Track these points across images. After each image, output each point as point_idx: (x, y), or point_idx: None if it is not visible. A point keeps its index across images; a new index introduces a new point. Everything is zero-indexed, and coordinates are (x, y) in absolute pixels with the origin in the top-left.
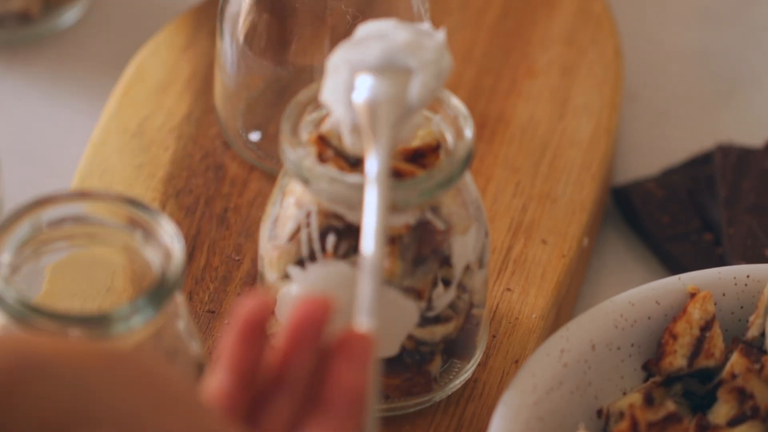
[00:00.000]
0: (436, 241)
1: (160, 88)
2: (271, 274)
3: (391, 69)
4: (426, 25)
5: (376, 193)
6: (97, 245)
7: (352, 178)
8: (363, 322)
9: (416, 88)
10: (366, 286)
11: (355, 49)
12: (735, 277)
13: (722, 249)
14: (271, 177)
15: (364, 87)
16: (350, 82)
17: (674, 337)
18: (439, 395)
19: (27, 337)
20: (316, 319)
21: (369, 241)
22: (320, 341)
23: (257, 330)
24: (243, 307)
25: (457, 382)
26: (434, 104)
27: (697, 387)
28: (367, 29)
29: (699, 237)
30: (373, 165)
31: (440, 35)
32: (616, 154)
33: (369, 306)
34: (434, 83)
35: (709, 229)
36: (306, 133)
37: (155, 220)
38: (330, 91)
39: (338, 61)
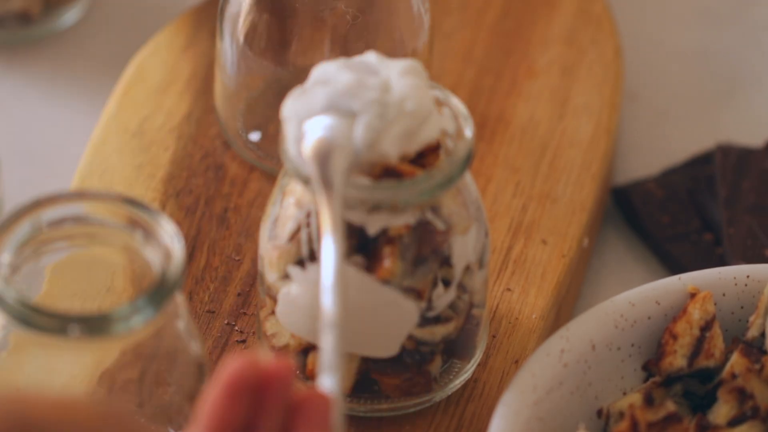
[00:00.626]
0: (436, 241)
1: (160, 88)
2: (271, 274)
3: (336, 114)
4: (374, 59)
5: (332, 246)
6: (97, 245)
7: (351, 179)
8: (325, 380)
9: (360, 131)
10: (327, 342)
11: (301, 98)
12: (735, 277)
13: (722, 249)
14: (271, 177)
15: (309, 137)
16: (299, 133)
17: (674, 337)
18: (439, 395)
19: (27, 398)
20: (285, 381)
21: (327, 296)
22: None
23: (240, 391)
24: (228, 368)
25: (457, 382)
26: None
27: (697, 387)
28: (315, 75)
29: (699, 237)
30: (326, 218)
31: (401, 70)
32: (616, 154)
33: (331, 362)
34: (379, 122)
35: (709, 229)
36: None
37: (155, 220)
38: (286, 142)
39: (287, 112)
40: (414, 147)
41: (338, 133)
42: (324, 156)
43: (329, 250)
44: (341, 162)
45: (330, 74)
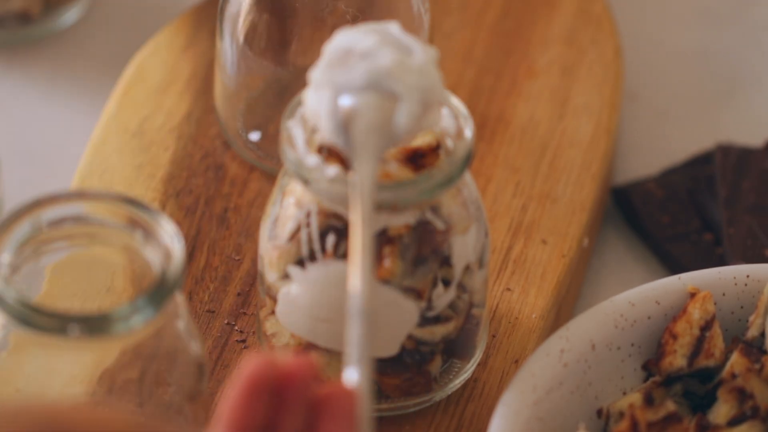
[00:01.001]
0: (436, 241)
1: (160, 88)
2: (271, 273)
3: (375, 92)
4: (411, 41)
5: (361, 232)
6: (97, 245)
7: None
8: (352, 373)
9: (402, 118)
10: (354, 333)
11: (338, 68)
12: (735, 277)
13: (722, 249)
14: (271, 177)
15: (350, 114)
16: (334, 103)
17: (674, 337)
18: (439, 395)
19: (60, 407)
20: (305, 379)
21: (356, 281)
22: (307, 398)
23: (260, 391)
24: (247, 367)
25: (457, 382)
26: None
27: (697, 387)
28: (348, 40)
29: (699, 237)
30: (357, 201)
31: (425, 53)
32: (616, 154)
33: (359, 354)
34: (420, 109)
35: (709, 229)
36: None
37: (155, 220)
38: (314, 107)
39: (321, 79)
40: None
41: (378, 116)
42: (362, 138)
43: (358, 235)
44: (378, 146)
45: (369, 47)
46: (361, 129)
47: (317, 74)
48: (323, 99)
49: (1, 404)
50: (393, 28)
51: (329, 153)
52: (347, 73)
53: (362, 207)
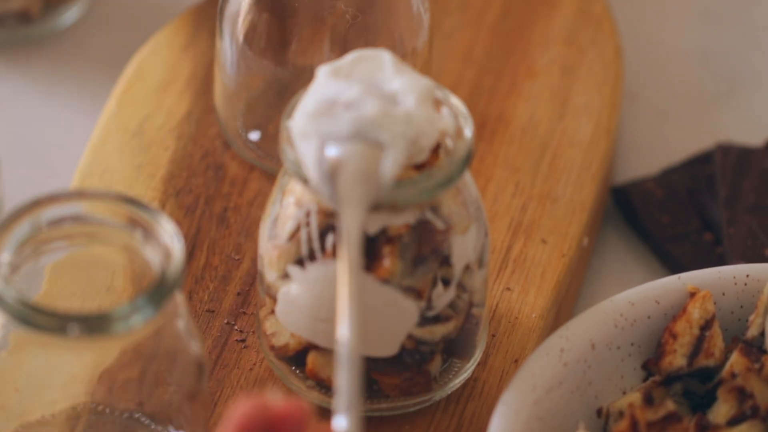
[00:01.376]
0: (436, 241)
1: (160, 88)
2: (270, 273)
3: (361, 142)
4: (396, 85)
5: (348, 281)
6: (96, 245)
7: None
8: (341, 420)
9: (388, 166)
10: (344, 379)
11: (323, 118)
12: (735, 277)
13: (722, 249)
14: (271, 176)
15: (336, 164)
16: (320, 153)
17: (674, 336)
18: (439, 395)
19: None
20: (297, 422)
21: (344, 329)
22: None
23: None
24: (238, 409)
25: (457, 382)
26: (435, 105)
27: (697, 386)
28: (332, 91)
29: (699, 237)
30: (344, 250)
31: (413, 92)
32: (616, 154)
33: (347, 402)
34: (404, 157)
35: (709, 229)
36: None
37: (155, 219)
38: (301, 156)
39: (307, 129)
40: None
41: (365, 165)
42: (354, 185)
43: (345, 284)
44: (368, 194)
45: (354, 97)
46: (347, 178)
47: (302, 124)
48: (309, 148)
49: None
50: (385, 56)
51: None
52: (333, 122)
53: (349, 256)
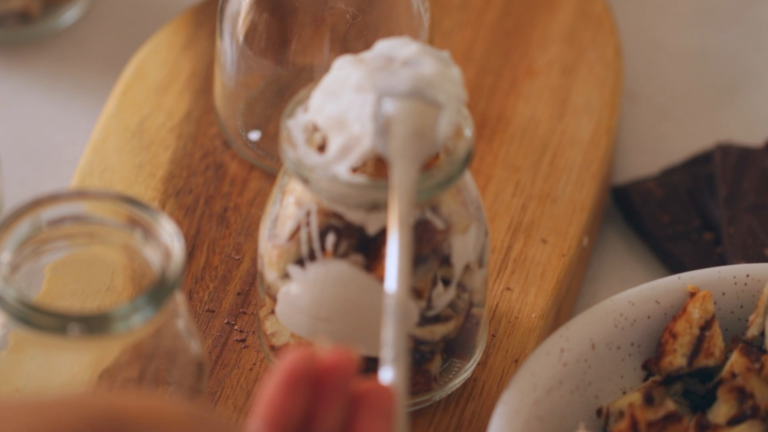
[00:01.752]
0: (436, 241)
1: (160, 88)
2: (270, 273)
3: (418, 99)
4: (445, 54)
5: (399, 235)
6: (96, 244)
7: (351, 177)
8: (387, 372)
9: (444, 126)
10: (390, 330)
11: (382, 73)
12: (735, 277)
13: (722, 248)
14: (270, 176)
15: (393, 119)
16: (377, 107)
17: (674, 336)
18: (439, 394)
19: (115, 396)
20: (344, 373)
21: (392, 282)
22: (346, 393)
23: (299, 383)
24: (286, 359)
25: (457, 382)
26: None
27: (697, 386)
28: (388, 48)
29: (699, 236)
30: (395, 205)
31: (457, 70)
32: (616, 154)
33: (395, 353)
34: (457, 118)
35: (710, 229)
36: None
37: (155, 219)
38: (352, 110)
39: (364, 82)
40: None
41: (423, 124)
42: (409, 142)
43: (395, 238)
44: (422, 151)
45: (411, 55)
46: (403, 134)
47: (360, 77)
48: (366, 102)
49: (59, 398)
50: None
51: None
52: (391, 78)
53: (401, 210)
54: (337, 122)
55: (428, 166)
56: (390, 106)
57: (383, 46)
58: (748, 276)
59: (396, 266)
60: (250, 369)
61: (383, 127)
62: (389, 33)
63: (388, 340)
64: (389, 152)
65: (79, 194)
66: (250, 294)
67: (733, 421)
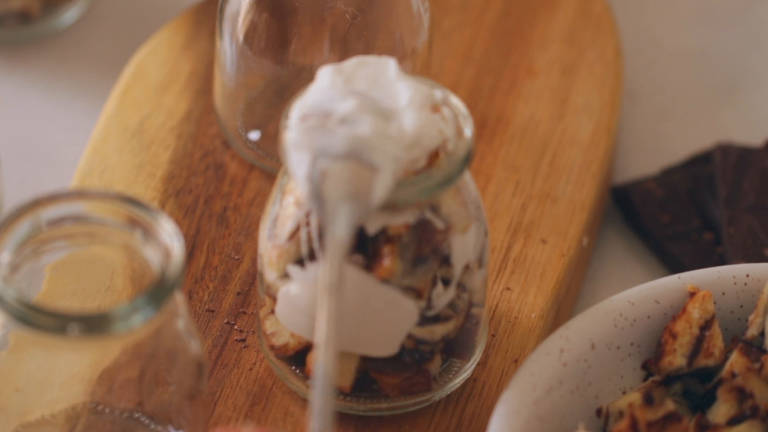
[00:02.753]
0: (435, 241)
1: (160, 88)
2: (270, 273)
3: (354, 161)
4: (387, 106)
5: (327, 304)
6: (96, 244)
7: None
8: None
9: (379, 188)
10: (317, 404)
11: (317, 131)
12: (734, 276)
13: (722, 248)
14: (270, 176)
15: (326, 181)
16: (312, 167)
17: (674, 336)
18: (439, 394)
19: None
20: None
21: (321, 355)
22: None
23: None
24: None
25: (457, 382)
26: (434, 105)
27: (697, 386)
28: (327, 100)
29: (699, 236)
30: (325, 274)
31: (408, 115)
32: (616, 154)
33: (321, 425)
34: (393, 180)
35: (710, 229)
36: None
37: (155, 219)
38: (293, 167)
39: (300, 141)
40: None
41: (359, 186)
42: (343, 205)
43: (324, 308)
44: (357, 214)
45: (347, 110)
46: (336, 197)
47: (295, 135)
48: (301, 162)
49: None
50: (390, 65)
51: None
52: (326, 138)
53: (330, 275)
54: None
55: (428, 166)
56: (324, 168)
57: (321, 99)
58: (748, 276)
59: (324, 335)
60: (250, 369)
61: (318, 188)
62: (389, 33)
63: (315, 411)
64: (323, 213)
65: (79, 194)
66: (250, 294)
67: (733, 421)
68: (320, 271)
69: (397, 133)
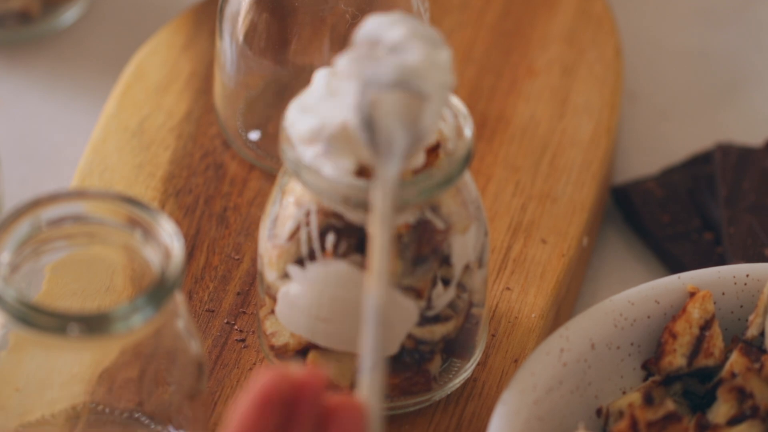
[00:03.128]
0: (435, 241)
1: (160, 88)
2: (270, 273)
3: (403, 90)
4: (435, 34)
5: (380, 233)
6: (96, 244)
7: (351, 178)
8: (365, 382)
9: (429, 118)
10: (369, 337)
11: (366, 61)
12: (734, 276)
13: (722, 248)
14: (270, 176)
15: (377, 110)
16: (361, 97)
17: (674, 336)
18: (439, 394)
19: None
20: (315, 392)
21: (374, 287)
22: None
23: (271, 404)
24: (260, 380)
25: (457, 382)
26: None
27: (697, 386)
28: (376, 29)
29: (699, 236)
30: (378, 203)
31: (446, 52)
32: (616, 154)
33: (372, 361)
34: (443, 107)
35: (710, 229)
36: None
37: (155, 219)
38: (338, 98)
39: (348, 70)
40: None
41: (407, 118)
42: (394, 135)
43: (377, 236)
44: (407, 144)
45: (398, 40)
46: (389, 125)
47: (344, 64)
48: (350, 89)
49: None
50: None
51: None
52: (375, 67)
53: (382, 207)
54: (311, 138)
55: (428, 166)
56: (374, 97)
57: (370, 26)
58: (748, 276)
59: (377, 266)
60: (250, 369)
61: (367, 118)
62: None
63: (366, 348)
64: (373, 144)
65: (79, 194)
66: (250, 294)
67: (733, 421)
68: (373, 199)
69: (446, 60)
